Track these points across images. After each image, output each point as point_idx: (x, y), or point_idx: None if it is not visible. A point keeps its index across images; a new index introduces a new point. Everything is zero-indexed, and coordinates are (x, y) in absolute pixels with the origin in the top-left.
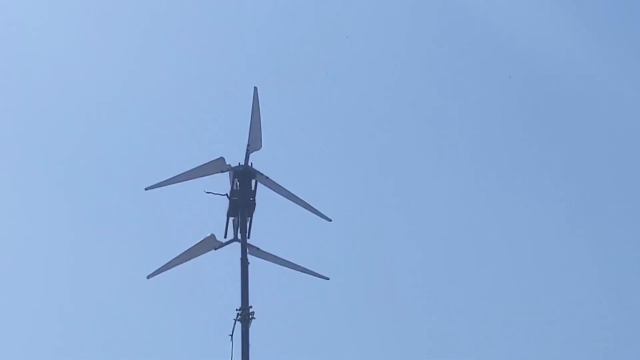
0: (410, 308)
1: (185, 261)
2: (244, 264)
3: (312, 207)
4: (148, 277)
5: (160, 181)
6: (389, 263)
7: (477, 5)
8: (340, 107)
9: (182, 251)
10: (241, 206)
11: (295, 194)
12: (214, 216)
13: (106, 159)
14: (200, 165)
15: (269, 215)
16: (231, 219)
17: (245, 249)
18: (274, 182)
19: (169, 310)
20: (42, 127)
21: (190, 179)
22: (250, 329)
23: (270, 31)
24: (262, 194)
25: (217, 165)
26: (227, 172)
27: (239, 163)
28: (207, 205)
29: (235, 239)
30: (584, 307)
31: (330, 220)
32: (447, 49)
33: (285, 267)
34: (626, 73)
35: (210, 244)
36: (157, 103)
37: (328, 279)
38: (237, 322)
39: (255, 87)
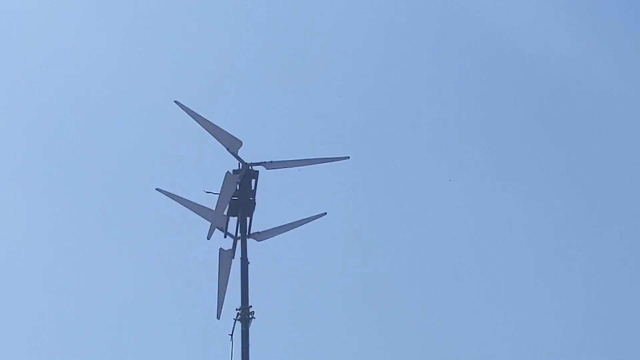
0: (409, 309)
1: (225, 285)
2: (244, 263)
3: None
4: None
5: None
6: (388, 263)
7: (477, 4)
8: (340, 107)
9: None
10: (241, 206)
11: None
12: None
13: (107, 159)
14: (221, 196)
15: (269, 215)
16: (231, 218)
17: (246, 248)
18: (281, 161)
19: (169, 310)
20: (42, 127)
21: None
22: (250, 329)
23: (269, 31)
24: (263, 193)
25: (231, 183)
26: (226, 172)
27: (239, 165)
28: (206, 205)
29: (236, 238)
30: (584, 308)
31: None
32: (447, 49)
33: (291, 230)
34: (627, 73)
35: (228, 257)
36: (158, 103)
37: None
38: (237, 322)
39: (176, 101)
